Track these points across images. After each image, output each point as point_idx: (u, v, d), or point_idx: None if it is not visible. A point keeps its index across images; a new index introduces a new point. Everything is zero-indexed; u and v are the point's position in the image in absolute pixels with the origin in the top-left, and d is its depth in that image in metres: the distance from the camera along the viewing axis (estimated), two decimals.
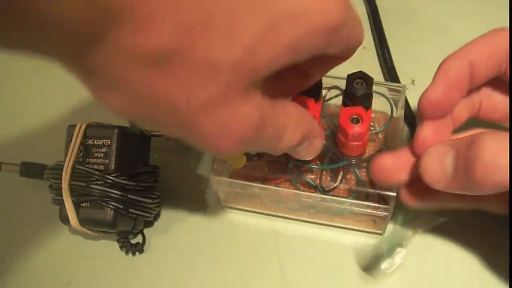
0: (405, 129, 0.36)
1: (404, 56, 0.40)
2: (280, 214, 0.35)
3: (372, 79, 0.30)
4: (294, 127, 0.24)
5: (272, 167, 0.33)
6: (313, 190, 0.32)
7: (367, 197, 0.32)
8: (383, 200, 0.31)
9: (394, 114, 0.33)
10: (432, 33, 0.41)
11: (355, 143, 0.30)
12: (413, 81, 0.39)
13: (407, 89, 0.38)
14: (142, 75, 0.17)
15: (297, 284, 0.33)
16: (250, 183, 0.32)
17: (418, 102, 0.28)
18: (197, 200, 0.36)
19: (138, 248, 0.34)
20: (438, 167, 0.26)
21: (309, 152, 0.27)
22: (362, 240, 0.34)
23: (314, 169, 0.33)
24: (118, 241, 0.34)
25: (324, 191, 0.32)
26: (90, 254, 0.35)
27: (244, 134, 0.20)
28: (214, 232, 0.35)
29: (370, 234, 0.34)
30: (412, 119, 0.36)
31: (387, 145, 0.33)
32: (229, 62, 0.18)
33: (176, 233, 0.35)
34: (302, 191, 0.32)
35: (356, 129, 0.29)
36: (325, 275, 0.33)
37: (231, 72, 0.18)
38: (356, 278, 0.32)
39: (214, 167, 0.32)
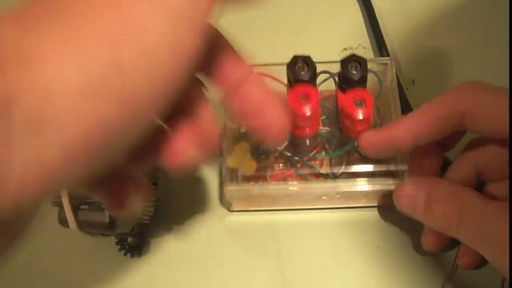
0: (398, 105, 0.35)
1: (404, 56, 0.40)
2: (293, 207, 0.34)
3: (365, 60, 0.31)
4: None
5: (278, 163, 0.33)
6: (322, 178, 0.32)
7: (373, 174, 0.32)
8: (392, 174, 0.31)
9: (383, 88, 0.33)
10: (432, 33, 0.41)
11: (361, 126, 0.31)
12: (413, 81, 0.39)
13: (407, 88, 0.38)
14: None
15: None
16: (267, 184, 0.32)
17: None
18: (196, 202, 0.36)
19: (136, 251, 0.33)
20: (410, 205, 0.29)
21: None
22: (376, 215, 0.34)
23: (318, 158, 0.33)
24: (116, 243, 0.33)
25: (335, 176, 0.32)
26: (90, 254, 0.34)
27: None
28: (213, 233, 0.34)
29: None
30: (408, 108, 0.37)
31: (381, 119, 0.34)
32: None
33: (175, 235, 0.35)
34: (313, 181, 0.32)
35: (362, 112, 0.30)
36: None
37: None
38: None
39: (225, 174, 0.32)
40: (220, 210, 0.35)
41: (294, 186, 0.32)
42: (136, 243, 0.33)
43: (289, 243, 0.34)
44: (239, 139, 0.32)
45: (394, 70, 0.34)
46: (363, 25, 0.42)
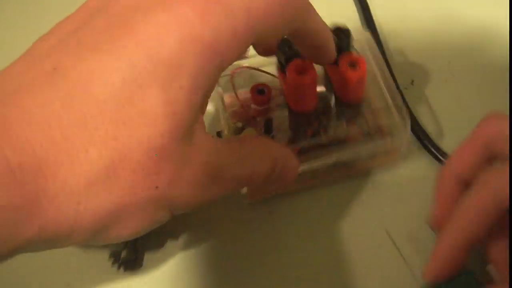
0: (386, 71, 0.34)
1: (403, 56, 0.40)
2: (298, 186, 0.34)
3: (348, 29, 0.32)
4: (261, 154, 0.25)
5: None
6: (325, 149, 0.32)
7: (371, 137, 0.33)
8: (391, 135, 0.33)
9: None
10: (431, 32, 0.41)
11: (358, 86, 0.32)
12: (412, 81, 0.39)
13: (406, 88, 0.38)
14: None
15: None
16: None
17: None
18: (192, 213, 0.34)
19: (130, 265, 0.31)
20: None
21: (286, 176, 0.27)
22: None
23: (319, 129, 0.33)
24: (109, 257, 0.31)
25: (339, 142, 0.32)
26: (90, 254, 0.32)
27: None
28: (211, 243, 0.33)
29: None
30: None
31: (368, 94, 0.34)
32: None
33: (170, 244, 0.33)
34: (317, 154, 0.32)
35: (357, 72, 0.31)
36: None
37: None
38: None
39: None
40: (218, 219, 0.34)
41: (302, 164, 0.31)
42: (129, 257, 0.31)
43: (288, 228, 0.33)
44: (240, 131, 0.33)
45: (373, 42, 0.34)
46: (359, 22, 0.42)
